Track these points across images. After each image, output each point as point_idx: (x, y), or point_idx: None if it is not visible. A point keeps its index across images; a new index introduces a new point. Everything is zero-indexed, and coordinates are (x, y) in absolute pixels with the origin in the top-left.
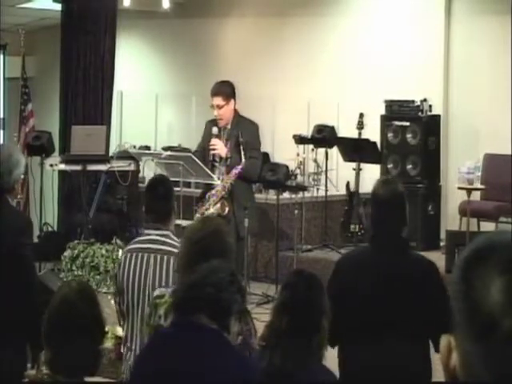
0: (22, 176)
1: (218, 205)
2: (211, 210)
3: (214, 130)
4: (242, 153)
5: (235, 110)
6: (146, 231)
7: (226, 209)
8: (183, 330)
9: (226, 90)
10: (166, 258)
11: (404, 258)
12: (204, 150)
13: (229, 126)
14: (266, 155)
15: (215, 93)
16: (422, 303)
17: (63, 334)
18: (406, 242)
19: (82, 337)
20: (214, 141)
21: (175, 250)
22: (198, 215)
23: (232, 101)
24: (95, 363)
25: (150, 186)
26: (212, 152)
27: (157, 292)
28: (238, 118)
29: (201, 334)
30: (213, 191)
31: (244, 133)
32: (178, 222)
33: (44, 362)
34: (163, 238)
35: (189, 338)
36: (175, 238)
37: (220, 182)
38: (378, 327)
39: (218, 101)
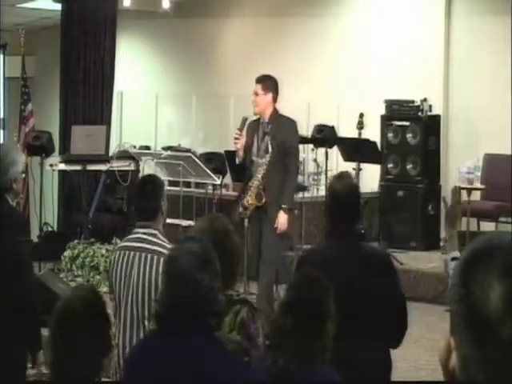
0: (23, 175)
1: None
2: (250, 201)
3: (246, 121)
4: (270, 146)
5: (274, 108)
6: (135, 230)
7: (263, 200)
8: (172, 331)
9: (267, 81)
10: (149, 256)
11: (360, 251)
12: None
13: (266, 120)
14: None
15: (257, 81)
16: (380, 297)
17: (65, 343)
18: (361, 236)
19: (85, 348)
20: (238, 133)
21: (161, 250)
22: (241, 207)
23: (270, 94)
24: (97, 375)
25: (139, 185)
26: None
27: None
28: (276, 115)
29: (189, 334)
30: (250, 183)
31: (280, 128)
32: (178, 221)
33: (46, 364)
34: (150, 237)
35: (178, 340)
36: (162, 238)
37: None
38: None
39: (258, 88)
